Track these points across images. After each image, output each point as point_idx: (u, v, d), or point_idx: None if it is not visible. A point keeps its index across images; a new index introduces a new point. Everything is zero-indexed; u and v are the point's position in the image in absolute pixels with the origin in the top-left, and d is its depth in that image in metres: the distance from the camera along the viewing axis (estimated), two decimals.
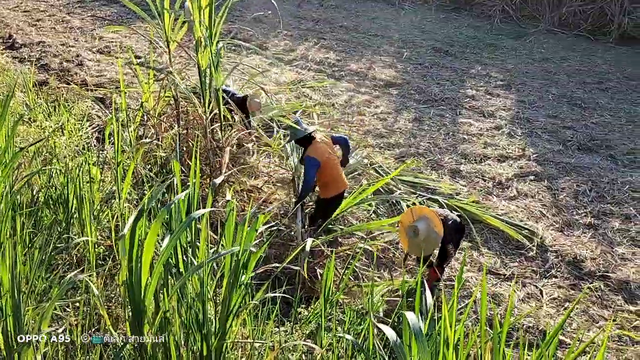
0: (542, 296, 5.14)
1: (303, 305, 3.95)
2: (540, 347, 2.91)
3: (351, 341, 3.23)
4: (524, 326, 4.76)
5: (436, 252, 4.71)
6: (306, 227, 5.49)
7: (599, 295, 5.15)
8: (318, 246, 4.90)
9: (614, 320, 4.84)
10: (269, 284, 3.51)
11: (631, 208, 6.58)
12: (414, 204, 6.37)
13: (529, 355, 4.10)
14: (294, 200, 6.17)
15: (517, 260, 5.69)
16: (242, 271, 2.58)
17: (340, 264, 5.08)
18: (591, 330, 4.70)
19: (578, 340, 4.53)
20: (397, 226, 4.79)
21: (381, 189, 6.60)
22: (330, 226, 4.83)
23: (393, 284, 4.80)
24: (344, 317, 3.86)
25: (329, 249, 4.85)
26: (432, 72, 11.95)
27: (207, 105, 6.24)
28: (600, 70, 12.45)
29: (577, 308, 4.95)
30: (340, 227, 5.39)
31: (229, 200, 2.80)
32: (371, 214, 6.28)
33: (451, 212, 5.13)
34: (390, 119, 9.35)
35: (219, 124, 6.49)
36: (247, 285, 3.00)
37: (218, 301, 2.81)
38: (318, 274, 4.78)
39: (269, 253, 5.23)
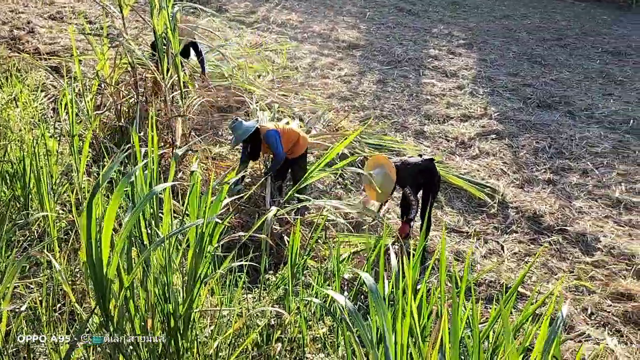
0: (504, 251, 5.31)
1: (271, 272, 3.99)
2: (500, 300, 3.03)
3: (318, 304, 3.29)
4: (487, 281, 4.92)
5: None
6: (275, 197, 5.51)
7: (557, 248, 5.35)
8: (285, 214, 4.94)
9: (571, 272, 5.04)
10: (235, 252, 3.52)
11: (588, 163, 6.79)
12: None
13: (489, 308, 4.27)
14: (262, 166, 6.14)
15: (480, 217, 5.84)
16: (207, 241, 2.57)
17: (310, 231, 5.13)
18: (550, 282, 4.90)
19: (537, 293, 4.72)
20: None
21: (347, 153, 6.63)
22: (296, 194, 4.84)
23: (357, 247, 4.88)
24: (312, 281, 3.91)
25: (295, 216, 4.88)
26: (395, 32, 11.87)
27: (165, 71, 6.07)
28: (559, 27, 12.60)
29: (536, 261, 5.14)
30: (307, 197, 5.40)
31: (193, 171, 2.76)
32: (337, 178, 6.32)
33: (422, 157, 5.23)
34: (354, 81, 9.30)
35: (179, 90, 6.34)
36: (214, 255, 3.00)
37: (185, 272, 2.81)
38: (285, 240, 4.81)
39: (237, 220, 5.23)
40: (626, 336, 4.32)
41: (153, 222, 2.82)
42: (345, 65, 9.91)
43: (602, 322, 4.45)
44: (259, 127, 5.46)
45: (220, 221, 2.76)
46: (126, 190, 2.90)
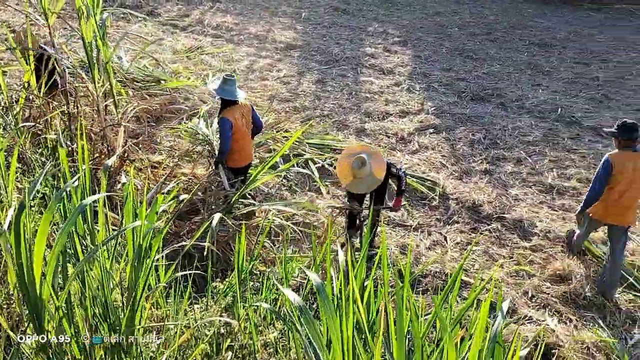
0: (447, 242, 5.44)
1: (218, 280, 3.92)
2: (444, 290, 3.10)
3: (268, 309, 3.26)
4: (432, 272, 5.02)
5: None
6: (231, 180, 5.39)
7: (496, 235, 5.53)
8: (233, 218, 4.87)
9: (511, 258, 5.23)
10: (178, 262, 3.44)
11: (521, 152, 7.07)
12: (323, 166, 6.46)
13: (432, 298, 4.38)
14: (203, 172, 6.03)
15: (422, 210, 5.96)
16: (145, 253, 2.49)
17: (260, 236, 5.08)
18: (492, 268, 5.07)
19: (480, 280, 4.87)
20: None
21: (290, 154, 6.62)
22: (241, 199, 4.78)
23: (307, 256, 4.85)
24: (260, 287, 3.88)
25: (239, 222, 4.81)
26: (332, 31, 11.96)
27: (96, 80, 5.86)
28: (488, 22, 13.06)
29: (478, 249, 5.30)
30: (251, 201, 5.34)
31: (124, 183, 2.66)
32: (282, 180, 6.30)
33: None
34: (293, 82, 9.30)
35: (113, 99, 6.14)
36: (155, 267, 2.92)
37: (125, 287, 2.71)
38: (233, 247, 4.75)
39: (180, 228, 5.11)
40: (565, 316, 4.52)
41: (89, 237, 2.71)
42: (283, 67, 9.89)
43: (542, 304, 4.64)
44: (240, 102, 5.22)
45: (160, 227, 2.69)
46: (59, 206, 2.77)
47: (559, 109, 8.24)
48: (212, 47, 10.55)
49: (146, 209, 2.53)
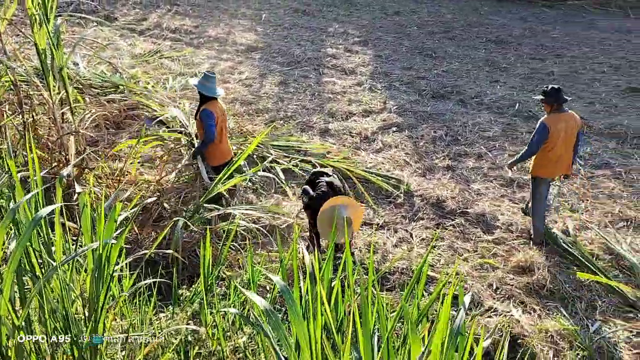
0: (413, 238, 5.51)
1: (184, 287, 3.87)
2: (409, 285, 3.13)
3: (236, 314, 3.23)
4: (399, 269, 5.07)
5: None
6: (209, 172, 5.34)
7: (460, 230, 5.63)
8: (199, 224, 4.81)
9: (475, 251, 5.33)
10: (142, 271, 3.37)
11: (482, 147, 7.21)
12: (288, 168, 6.44)
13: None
14: (164, 177, 5.94)
15: (388, 208, 6.01)
16: (106, 264, 2.44)
17: (232, 241, 5.02)
18: (457, 263, 5.14)
19: (445, 274, 4.94)
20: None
21: (254, 157, 6.58)
22: (206, 205, 4.72)
23: (274, 254, 4.84)
24: (228, 292, 3.84)
25: (203, 227, 4.75)
26: (292, 33, 11.96)
27: (51, 87, 5.69)
28: (446, 20, 13.28)
29: (443, 245, 5.38)
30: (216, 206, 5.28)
31: (79, 193, 2.59)
32: (247, 183, 6.25)
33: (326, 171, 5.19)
34: (255, 84, 9.25)
35: (69, 106, 5.98)
36: (119, 277, 2.85)
37: (87, 299, 2.65)
38: (199, 252, 4.69)
39: (144, 236, 5.01)
40: (529, 306, 4.62)
41: (44, 249, 2.63)
42: (245, 69, 9.83)
43: (506, 295, 4.74)
44: (216, 98, 5.27)
45: (115, 241, 2.62)
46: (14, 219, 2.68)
47: (517, 104, 8.44)
48: (171, 50, 10.40)
49: (104, 219, 2.48)
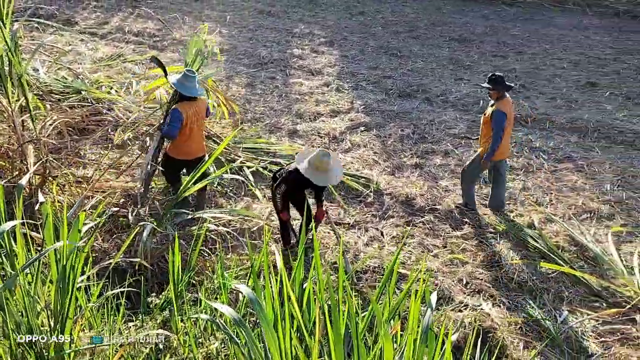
0: (383, 237, 5.54)
1: (154, 294, 3.80)
2: (380, 283, 3.15)
3: (207, 320, 3.19)
4: (371, 268, 5.10)
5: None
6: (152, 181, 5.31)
7: (430, 227, 5.69)
8: (168, 230, 4.74)
9: (445, 247, 5.39)
10: (108, 280, 3.30)
11: (448, 144, 7.31)
12: (257, 169, 6.41)
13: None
14: (131, 184, 5.83)
15: (358, 207, 6.04)
16: (71, 274, 2.37)
17: (203, 246, 4.96)
18: (428, 259, 5.20)
19: (417, 271, 4.98)
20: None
21: (223, 160, 6.52)
22: (174, 210, 4.66)
23: (246, 258, 4.81)
24: (199, 297, 3.79)
25: (172, 233, 4.69)
26: (258, 34, 11.91)
27: (10, 94, 5.53)
28: (409, 20, 13.43)
29: (413, 242, 5.43)
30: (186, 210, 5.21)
31: (42, 203, 2.52)
32: (216, 186, 6.19)
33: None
34: (222, 86, 9.16)
35: (29, 113, 5.82)
36: (83, 287, 2.79)
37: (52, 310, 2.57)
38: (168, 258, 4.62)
39: (109, 245, 4.91)
40: (499, 299, 4.70)
41: (7, 262, 2.55)
42: (210, 71, 9.72)
43: (476, 290, 4.81)
44: (198, 98, 5.29)
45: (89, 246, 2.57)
46: None
47: (481, 101, 8.58)
48: (134, 54, 10.22)
49: (68, 228, 2.41)
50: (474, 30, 12.61)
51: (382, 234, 5.59)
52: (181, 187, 5.09)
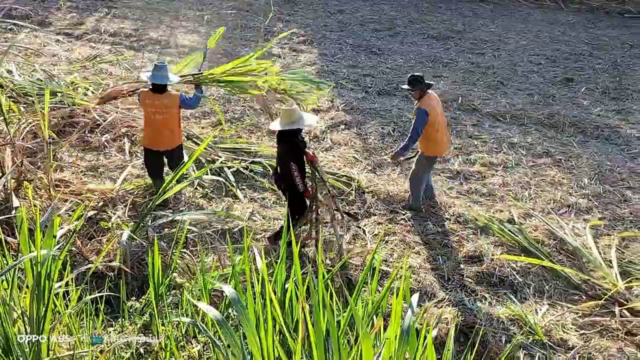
0: (366, 235, 5.54)
1: (134, 298, 3.74)
2: (360, 280, 3.15)
3: (188, 323, 3.16)
4: (354, 266, 5.10)
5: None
6: None
7: (411, 224, 5.70)
8: (147, 232, 4.68)
9: (426, 244, 5.41)
10: (87, 285, 3.24)
11: None
12: (237, 170, 6.37)
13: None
14: (110, 186, 5.76)
15: (340, 205, 6.02)
16: (47, 280, 2.32)
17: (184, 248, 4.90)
18: (410, 256, 5.21)
19: (400, 268, 5.00)
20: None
21: (203, 161, 6.47)
22: (154, 212, 4.60)
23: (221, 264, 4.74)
24: (180, 300, 3.75)
25: (152, 235, 4.63)
26: (236, 33, 11.81)
27: None
28: (388, 17, 13.46)
29: (395, 239, 5.44)
30: (164, 212, 5.16)
31: (17, 208, 2.46)
32: (196, 187, 6.13)
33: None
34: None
35: (3, 117, 5.70)
36: (61, 293, 2.73)
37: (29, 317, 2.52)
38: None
39: (89, 249, 4.83)
40: (480, 294, 4.74)
41: None
42: (189, 71, 9.62)
43: (458, 285, 4.84)
44: (168, 90, 5.45)
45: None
46: None
47: (460, 98, 8.64)
48: (111, 55, 10.08)
49: (42, 234, 2.36)
50: (452, 27, 12.69)
51: (364, 231, 5.59)
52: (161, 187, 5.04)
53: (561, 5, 14.95)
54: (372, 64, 10.19)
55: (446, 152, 5.80)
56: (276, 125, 4.82)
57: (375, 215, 5.86)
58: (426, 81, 5.54)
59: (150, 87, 5.51)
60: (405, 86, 5.59)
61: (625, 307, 4.47)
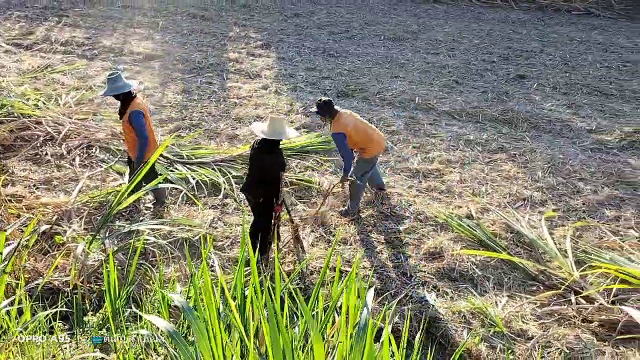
0: (329, 236, 5.55)
1: (91, 312, 3.65)
2: (317, 283, 3.14)
3: (147, 335, 3.09)
4: (317, 268, 5.10)
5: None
6: None
7: (374, 223, 5.74)
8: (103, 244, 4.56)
9: (389, 242, 5.46)
10: (40, 302, 3.14)
11: (388, 141, 7.42)
12: (193, 178, 6.28)
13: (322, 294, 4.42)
14: (64, 199, 5.59)
15: (302, 209, 6.02)
16: None
17: (143, 259, 4.80)
18: (373, 255, 5.25)
19: (363, 268, 5.03)
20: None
21: (160, 169, 6.36)
22: (110, 224, 4.49)
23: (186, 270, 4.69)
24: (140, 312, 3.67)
25: (109, 247, 4.52)
26: (192, 39, 11.72)
27: None
28: (345, 20, 13.56)
29: (358, 239, 5.47)
30: (122, 224, 5.05)
31: None
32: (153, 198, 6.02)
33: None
34: (157, 93, 8.95)
35: None
36: (14, 310, 2.63)
37: None
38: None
39: (42, 264, 4.68)
40: (442, 290, 4.81)
41: None
42: (145, 78, 9.48)
43: (420, 282, 4.90)
44: (134, 93, 5.23)
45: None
46: None
47: (417, 98, 8.77)
48: (62, 64, 9.82)
49: None
50: (407, 28, 12.88)
51: (327, 233, 5.60)
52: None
53: (512, 4, 15.37)
54: (330, 67, 10.24)
55: (382, 150, 5.73)
56: (263, 133, 4.59)
57: (336, 217, 5.87)
58: (335, 108, 5.42)
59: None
60: (317, 112, 5.45)
61: (581, 295, 4.61)
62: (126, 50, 10.88)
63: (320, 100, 5.39)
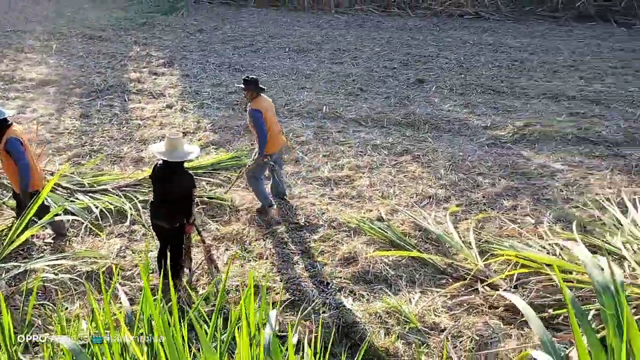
0: (244, 253, 5.49)
1: None
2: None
3: None
4: (234, 286, 5.01)
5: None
6: None
7: (289, 235, 5.74)
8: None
9: (304, 252, 5.49)
10: None
11: (298, 152, 7.48)
12: (96, 206, 5.99)
13: None
14: None
15: (214, 227, 5.92)
16: None
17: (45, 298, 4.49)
18: (289, 267, 5.24)
19: (280, 282, 5.02)
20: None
21: (54, 201, 6.02)
22: (2, 264, 4.17)
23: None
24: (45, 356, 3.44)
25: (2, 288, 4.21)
26: (89, 61, 11.26)
27: None
28: (248, 34, 13.58)
29: (274, 252, 5.45)
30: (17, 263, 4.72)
31: None
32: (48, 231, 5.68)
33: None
34: (53, 120, 8.51)
35: None
36: None
37: None
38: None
39: None
40: (358, 293, 4.89)
41: None
42: (39, 106, 8.98)
43: (337, 288, 4.96)
44: (10, 121, 4.93)
45: None
46: None
47: (324, 107, 8.93)
48: None
49: None
50: (311, 39, 13.10)
51: (242, 249, 5.54)
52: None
53: (409, 12, 16.07)
54: (236, 81, 10.18)
55: (278, 150, 6.01)
56: (162, 155, 4.47)
57: (252, 232, 5.83)
58: (260, 86, 5.75)
59: None
60: (241, 85, 5.80)
61: (486, 283, 4.86)
62: (17, 77, 10.26)
63: (247, 76, 5.76)
